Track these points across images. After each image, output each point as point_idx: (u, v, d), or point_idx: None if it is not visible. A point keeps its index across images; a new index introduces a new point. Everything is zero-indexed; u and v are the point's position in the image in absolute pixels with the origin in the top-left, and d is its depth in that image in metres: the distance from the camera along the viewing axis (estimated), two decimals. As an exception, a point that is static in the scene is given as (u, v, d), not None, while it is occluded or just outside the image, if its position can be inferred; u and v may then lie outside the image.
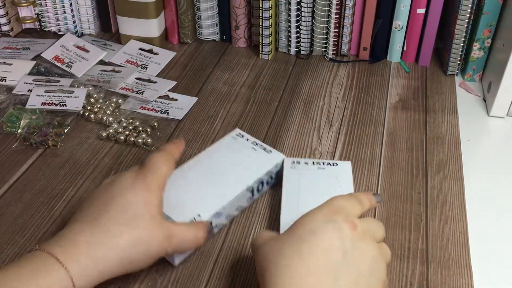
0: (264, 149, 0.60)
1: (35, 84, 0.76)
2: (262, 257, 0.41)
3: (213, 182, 0.55)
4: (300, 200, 0.54)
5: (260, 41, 0.84)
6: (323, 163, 0.58)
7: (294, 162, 0.59)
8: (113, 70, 0.81)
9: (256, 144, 0.60)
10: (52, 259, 0.41)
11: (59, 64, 0.82)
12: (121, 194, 0.45)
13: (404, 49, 0.84)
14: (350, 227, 0.40)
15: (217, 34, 0.91)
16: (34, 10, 0.92)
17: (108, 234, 0.43)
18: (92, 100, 0.73)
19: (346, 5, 0.81)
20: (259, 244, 0.43)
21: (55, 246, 0.42)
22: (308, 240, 0.40)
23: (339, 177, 0.57)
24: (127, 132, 0.68)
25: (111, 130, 0.68)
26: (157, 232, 0.45)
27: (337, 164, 0.58)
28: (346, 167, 0.58)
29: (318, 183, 0.56)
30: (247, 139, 0.61)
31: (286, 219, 0.52)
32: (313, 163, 0.58)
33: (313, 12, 0.83)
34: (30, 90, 0.74)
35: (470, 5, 0.75)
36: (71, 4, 0.90)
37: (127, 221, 0.44)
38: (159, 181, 0.47)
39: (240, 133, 0.62)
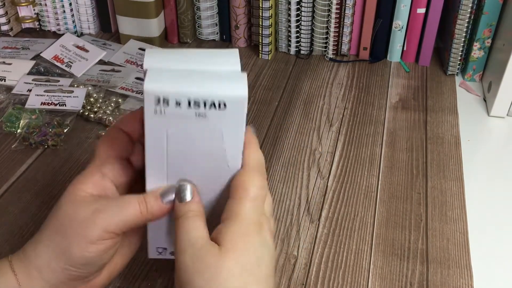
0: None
1: (35, 83, 0.76)
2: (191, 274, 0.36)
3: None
4: (170, 166, 0.39)
5: (260, 41, 0.84)
6: (205, 105, 0.36)
7: (159, 102, 0.35)
8: (113, 70, 0.81)
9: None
10: (7, 263, 0.40)
11: (58, 64, 0.82)
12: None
13: (404, 49, 0.84)
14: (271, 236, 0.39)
15: (217, 33, 0.91)
16: (34, 10, 0.92)
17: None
18: (91, 99, 0.73)
19: (346, 5, 0.81)
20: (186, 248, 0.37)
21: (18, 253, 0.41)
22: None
23: (226, 130, 0.37)
24: (126, 132, 0.68)
25: (110, 130, 0.68)
26: (78, 209, 0.39)
27: (225, 105, 0.36)
28: (238, 108, 0.36)
29: (194, 142, 0.38)
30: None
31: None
32: (189, 103, 0.36)
33: (313, 12, 0.83)
34: (29, 90, 0.74)
35: (470, 4, 0.74)
36: (70, 4, 0.90)
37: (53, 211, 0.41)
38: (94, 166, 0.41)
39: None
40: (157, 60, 0.38)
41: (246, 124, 0.38)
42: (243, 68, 0.38)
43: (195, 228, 0.38)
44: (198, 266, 0.35)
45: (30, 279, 0.40)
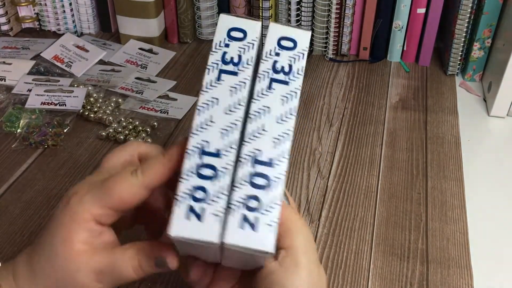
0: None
1: (35, 83, 0.76)
2: None
3: None
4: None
5: (260, 40, 0.84)
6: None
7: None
8: (113, 70, 0.81)
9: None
10: None
11: (58, 64, 0.82)
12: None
13: (404, 49, 0.84)
14: None
15: (217, 33, 0.90)
16: (34, 10, 0.92)
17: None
18: (91, 99, 0.73)
19: (346, 5, 0.81)
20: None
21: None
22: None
23: None
24: (126, 132, 0.68)
25: (110, 130, 0.68)
26: (78, 273, 0.36)
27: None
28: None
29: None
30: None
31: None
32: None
33: (313, 12, 0.83)
34: (29, 90, 0.74)
35: (470, 4, 0.74)
36: (70, 4, 0.90)
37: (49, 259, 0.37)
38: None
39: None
40: None
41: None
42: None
43: None
44: (291, 270, 0.36)
45: None
